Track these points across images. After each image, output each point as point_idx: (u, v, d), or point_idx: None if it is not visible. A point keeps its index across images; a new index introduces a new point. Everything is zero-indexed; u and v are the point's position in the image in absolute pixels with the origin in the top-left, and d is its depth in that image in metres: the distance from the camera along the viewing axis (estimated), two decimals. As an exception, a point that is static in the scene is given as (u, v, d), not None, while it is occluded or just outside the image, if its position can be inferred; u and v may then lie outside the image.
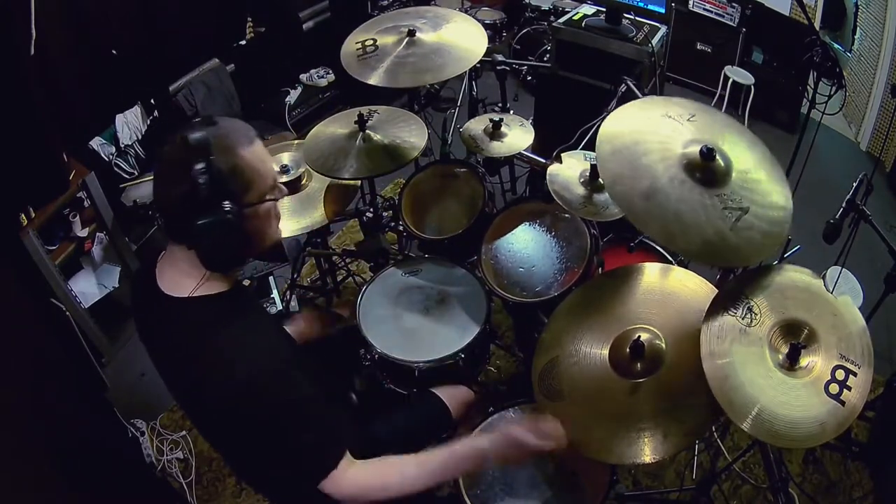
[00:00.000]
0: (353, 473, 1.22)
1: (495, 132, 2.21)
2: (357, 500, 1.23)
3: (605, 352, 1.48)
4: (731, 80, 4.10)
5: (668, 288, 1.54)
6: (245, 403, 1.15)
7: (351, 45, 2.08)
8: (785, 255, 1.89)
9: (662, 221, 1.33)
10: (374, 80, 1.96)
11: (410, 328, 1.88)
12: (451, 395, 1.73)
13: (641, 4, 2.89)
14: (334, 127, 2.13)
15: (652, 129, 1.47)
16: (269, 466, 1.30)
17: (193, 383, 1.21)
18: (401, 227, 2.28)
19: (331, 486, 1.19)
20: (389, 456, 1.31)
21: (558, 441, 1.37)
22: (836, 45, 3.44)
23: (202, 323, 1.20)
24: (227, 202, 1.13)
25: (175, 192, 1.13)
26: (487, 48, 2.05)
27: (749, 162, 1.45)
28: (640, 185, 1.37)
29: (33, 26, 2.21)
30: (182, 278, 1.22)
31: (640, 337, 1.41)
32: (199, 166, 1.10)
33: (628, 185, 1.37)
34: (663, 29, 2.84)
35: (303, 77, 4.00)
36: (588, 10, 3.00)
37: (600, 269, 1.99)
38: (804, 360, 1.26)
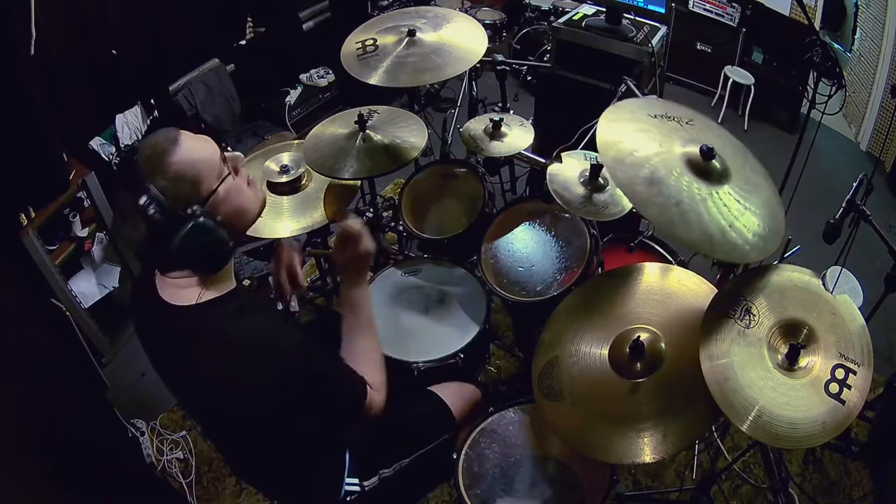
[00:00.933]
0: (372, 384, 1.34)
1: (495, 132, 2.21)
2: (384, 400, 1.38)
3: (605, 352, 1.48)
4: (731, 80, 4.10)
5: (667, 288, 1.54)
6: (285, 382, 1.17)
7: (351, 45, 2.08)
8: (785, 255, 1.89)
9: (663, 207, 1.32)
10: (374, 80, 1.96)
11: (410, 328, 1.88)
12: (456, 394, 1.73)
13: (641, 4, 2.89)
14: (334, 127, 2.13)
15: (650, 128, 1.47)
16: (311, 429, 1.34)
17: (210, 382, 1.20)
18: (401, 227, 2.28)
19: (369, 409, 1.32)
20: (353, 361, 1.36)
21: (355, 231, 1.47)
22: (836, 45, 3.45)
23: (213, 324, 1.19)
24: (188, 209, 1.13)
25: (139, 234, 1.13)
26: (487, 48, 2.05)
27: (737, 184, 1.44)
28: (642, 172, 1.36)
29: (33, 26, 2.21)
30: (182, 291, 1.21)
31: (639, 337, 1.41)
32: (143, 200, 1.10)
33: (630, 172, 1.37)
34: (663, 29, 2.84)
35: (303, 77, 4.00)
36: (588, 10, 3.00)
37: (600, 269, 1.99)
38: (803, 360, 1.26)
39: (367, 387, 1.32)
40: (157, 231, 1.12)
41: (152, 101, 3.27)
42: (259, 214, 1.32)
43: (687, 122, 1.50)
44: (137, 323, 1.32)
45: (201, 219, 1.13)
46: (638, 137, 1.44)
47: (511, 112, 2.48)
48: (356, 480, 1.50)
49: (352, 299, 1.47)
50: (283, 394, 1.17)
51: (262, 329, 1.21)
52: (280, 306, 2.69)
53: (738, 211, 1.35)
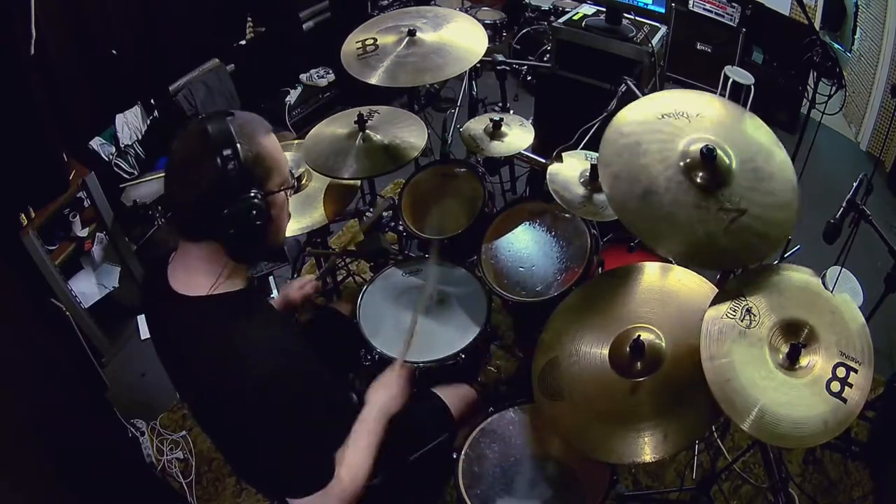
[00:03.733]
0: (337, 486, 1.23)
1: (495, 132, 2.21)
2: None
3: (605, 351, 1.48)
4: (731, 80, 4.09)
5: (668, 287, 1.54)
6: (259, 398, 1.14)
7: (351, 44, 2.08)
8: (785, 255, 1.89)
9: (653, 222, 1.34)
10: (374, 80, 1.96)
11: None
12: (454, 395, 1.73)
13: (641, 4, 2.89)
14: (334, 127, 2.13)
15: (657, 127, 1.47)
16: (269, 464, 1.30)
17: (208, 380, 1.20)
18: (401, 227, 2.28)
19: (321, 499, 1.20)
20: (342, 454, 1.29)
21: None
22: (836, 45, 3.44)
23: (220, 320, 1.19)
24: (253, 190, 1.15)
25: (198, 183, 1.12)
26: (487, 48, 2.05)
27: (767, 145, 1.47)
28: (636, 187, 1.38)
29: (33, 26, 2.21)
30: (198, 277, 1.20)
31: (640, 336, 1.41)
32: (227, 152, 1.11)
33: (625, 188, 1.38)
34: (663, 29, 2.84)
35: (303, 77, 4.00)
36: (588, 10, 3.00)
37: (600, 269, 1.99)
38: (804, 360, 1.26)
39: (331, 474, 1.23)
40: (222, 189, 1.12)
41: (152, 101, 3.27)
42: (277, 245, 1.31)
43: (697, 115, 1.49)
44: (147, 310, 1.32)
45: (263, 203, 1.16)
46: (639, 146, 1.44)
47: (511, 112, 2.48)
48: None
49: (376, 400, 1.45)
50: (261, 405, 1.15)
51: (258, 335, 1.19)
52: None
53: (738, 212, 1.35)
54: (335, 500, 1.22)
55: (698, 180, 1.39)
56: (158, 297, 1.25)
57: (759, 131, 1.52)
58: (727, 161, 1.41)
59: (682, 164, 1.41)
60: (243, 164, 1.12)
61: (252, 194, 1.14)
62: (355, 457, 1.30)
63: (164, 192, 1.23)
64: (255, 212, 1.14)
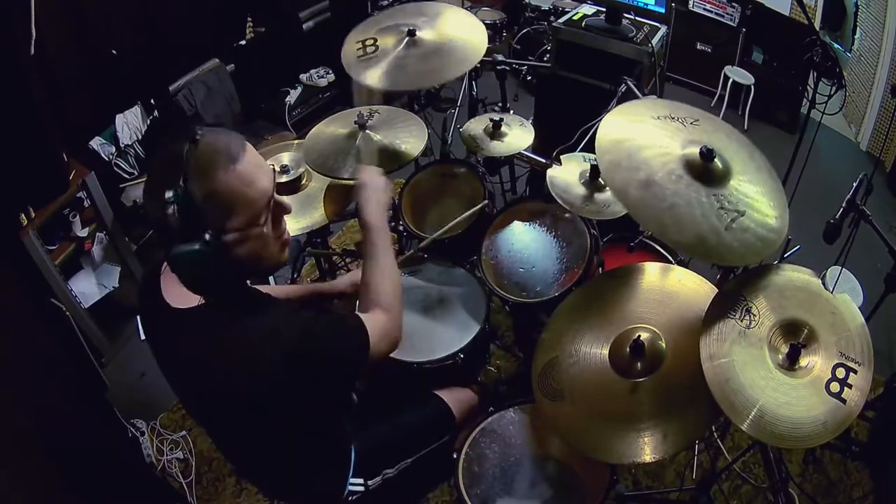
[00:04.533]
0: (375, 333, 1.29)
1: (495, 132, 2.21)
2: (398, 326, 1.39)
3: (605, 351, 1.48)
4: (731, 80, 4.10)
5: (668, 288, 1.54)
6: (290, 368, 1.13)
7: (351, 44, 2.07)
8: (785, 255, 1.89)
9: (656, 211, 1.33)
10: (375, 82, 1.96)
11: (410, 328, 1.87)
12: (456, 399, 1.73)
13: (641, 4, 2.89)
14: (334, 127, 2.13)
15: (652, 129, 1.47)
16: (317, 420, 1.34)
17: (217, 387, 1.18)
18: (401, 227, 2.28)
19: (381, 344, 1.30)
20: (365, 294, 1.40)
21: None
22: (836, 45, 3.44)
23: (219, 326, 1.17)
24: (205, 231, 1.05)
25: (155, 212, 1.06)
26: (487, 48, 2.05)
27: (747, 174, 1.45)
28: (637, 176, 1.37)
29: (33, 26, 2.21)
30: (184, 290, 1.18)
31: (640, 336, 1.41)
32: (169, 195, 1.02)
33: (625, 175, 1.37)
34: (663, 29, 2.84)
35: (303, 77, 4.00)
36: (588, 10, 3.00)
37: (600, 269, 1.99)
38: (804, 360, 1.27)
39: (368, 332, 1.27)
40: (167, 230, 1.05)
41: (152, 101, 3.27)
42: (273, 270, 1.30)
43: (692, 122, 1.50)
44: (144, 324, 1.32)
45: (214, 247, 1.07)
46: (638, 140, 1.44)
47: (511, 112, 2.48)
48: (360, 480, 1.50)
49: (372, 220, 1.49)
50: (289, 380, 1.14)
51: (261, 323, 1.17)
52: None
53: (738, 213, 1.35)
54: (380, 333, 1.31)
55: (698, 176, 1.38)
56: (154, 312, 1.23)
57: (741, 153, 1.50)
58: (721, 166, 1.40)
59: (682, 160, 1.40)
60: (187, 206, 1.03)
61: (204, 237, 1.05)
62: (383, 285, 1.39)
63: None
64: (196, 257, 1.05)
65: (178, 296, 1.19)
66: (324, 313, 1.33)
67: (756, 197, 1.39)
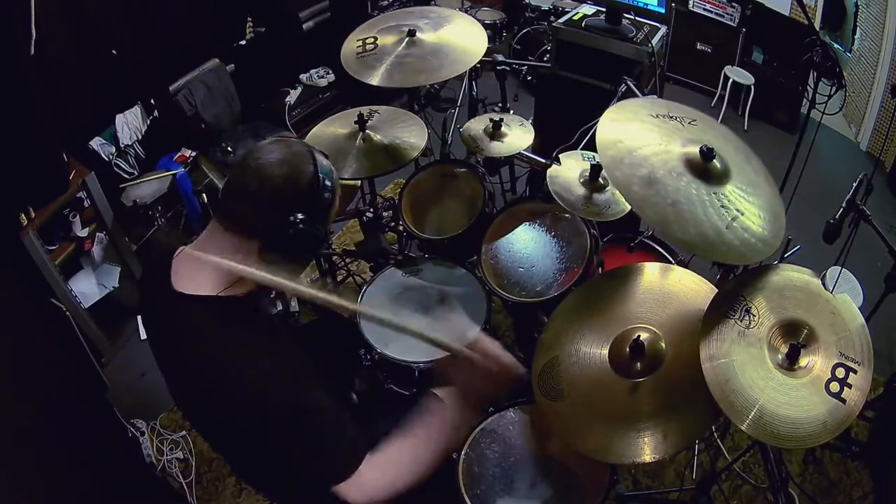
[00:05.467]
0: (367, 476, 1.18)
1: (495, 132, 2.21)
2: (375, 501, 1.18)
3: (605, 351, 1.47)
4: (731, 80, 4.10)
5: (667, 288, 1.54)
6: (256, 410, 1.12)
7: (351, 44, 2.08)
8: (785, 255, 1.89)
9: (660, 208, 1.33)
10: (375, 80, 1.96)
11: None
12: (454, 395, 1.72)
13: (641, 4, 2.89)
14: (334, 127, 2.14)
15: (651, 128, 1.47)
16: (281, 473, 1.28)
17: (204, 386, 1.18)
18: (401, 227, 2.28)
19: (347, 490, 1.15)
20: (388, 449, 1.24)
21: (498, 357, 1.32)
22: (836, 45, 3.45)
23: (221, 324, 1.17)
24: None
25: (284, 188, 1.18)
26: (487, 48, 2.05)
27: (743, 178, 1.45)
28: (639, 172, 1.37)
29: (33, 26, 2.21)
30: (206, 276, 1.18)
31: (639, 336, 1.41)
32: (326, 182, 1.21)
33: (628, 171, 1.37)
34: (663, 29, 2.84)
35: (303, 77, 4.00)
36: (588, 10, 3.00)
37: (600, 269, 1.99)
38: (804, 360, 1.26)
39: (356, 473, 1.16)
40: (304, 202, 1.19)
41: (152, 101, 3.27)
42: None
43: (689, 122, 1.50)
44: (144, 310, 1.31)
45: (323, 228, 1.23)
46: (638, 137, 1.44)
47: (511, 112, 2.48)
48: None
49: (460, 419, 1.30)
50: (259, 417, 1.12)
51: (253, 345, 1.17)
52: (279, 307, 2.71)
53: (738, 212, 1.35)
54: (354, 493, 1.16)
55: (699, 175, 1.39)
56: (158, 296, 1.23)
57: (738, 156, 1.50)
58: (719, 166, 1.41)
59: (682, 158, 1.40)
60: (326, 191, 1.22)
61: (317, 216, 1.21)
62: (386, 457, 1.22)
63: (229, 179, 1.24)
64: (317, 236, 1.21)
65: (190, 282, 1.19)
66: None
67: (747, 206, 1.39)
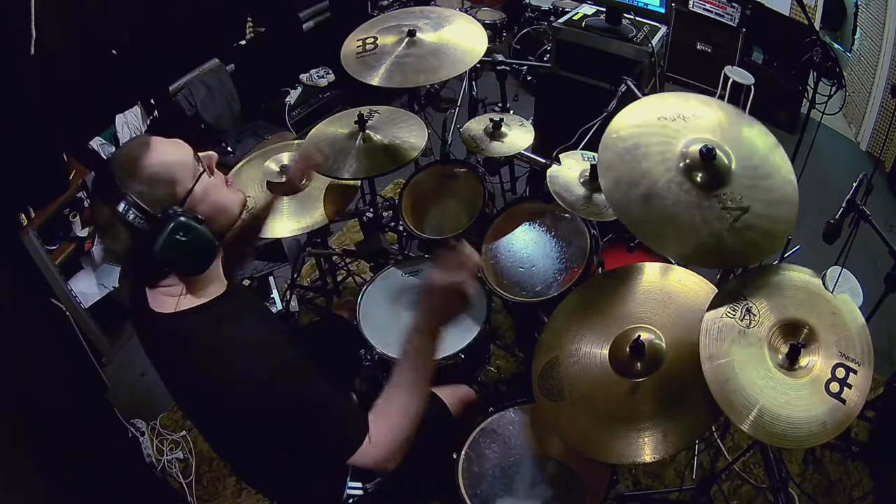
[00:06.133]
0: (377, 432, 1.20)
1: (495, 132, 2.21)
2: (388, 459, 1.22)
3: (605, 351, 1.48)
4: (731, 80, 4.09)
5: (668, 287, 1.54)
6: (258, 401, 1.13)
7: (351, 44, 2.08)
8: (785, 255, 1.89)
9: (657, 225, 1.34)
10: (374, 80, 1.96)
11: (410, 328, 1.88)
12: (452, 395, 1.73)
13: (641, 4, 2.89)
14: (334, 127, 2.13)
15: (655, 130, 1.47)
16: (296, 460, 1.30)
17: (203, 392, 1.19)
18: (401, 227, 2.28)
19: (365, 454, 1.19)
20: (378, 402, 1.26)
21: (471, 263, 1.29)
22: (836, 45, 3.45)
23: (202, 332, 1.18)
24: (168, 210, 1.12)
25: (122, 245, 1.12)
26: (487, 48, 2.05)
27: (764, 148, 1.46)
28: (637, 190, 1.38)
29: (33, 26, 2.21)
30: (167, 298, 1.20)
31: (640, 336, 1.41)
32: (122, 206, 1.09)
33: (625, 191, 1.38)
34: (663, 29, 2.84)
35: (303, 77, 4.00)
36: (588, 10, 3.00)
37: (600, 269, 1.99)
38: (804, 360, 1.27)
39: (367, 437, 1.19)
40: (140, 237, 1.11)
41: (152, 101, 3.27)
42: (240, 214, 1.30)
43: (692, 116, 1.50)
44: (137, 331, 1.32)
45: (182, 217, 1.12)
46: (638, 150, 1.44)
47: (511, 112, 2.48)
48: (359, 483, 1.50)
49: (424, 344, 1.28)
50: (259, 411, 1.13)
51: (242, 339, 1.18)
52: (280, 306, 2.71)
53: (741, 211, 1.35)
54: (373, 453, 1.19)
55: (699, 180, 1.39)
56: (142, 318, 1.24)
57: (753, 131, 1.51)
58: (726, 160, 1.41)
59: (681, 165, 1.41)
60: (140, 201, 1.10)
61: (171, 213, 1.12)
62: (389, 418, 1.23)
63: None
64: (182, 229, 1.12)
65: (162, 303, 1.20)
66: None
67: (765, 185, 1.40)
